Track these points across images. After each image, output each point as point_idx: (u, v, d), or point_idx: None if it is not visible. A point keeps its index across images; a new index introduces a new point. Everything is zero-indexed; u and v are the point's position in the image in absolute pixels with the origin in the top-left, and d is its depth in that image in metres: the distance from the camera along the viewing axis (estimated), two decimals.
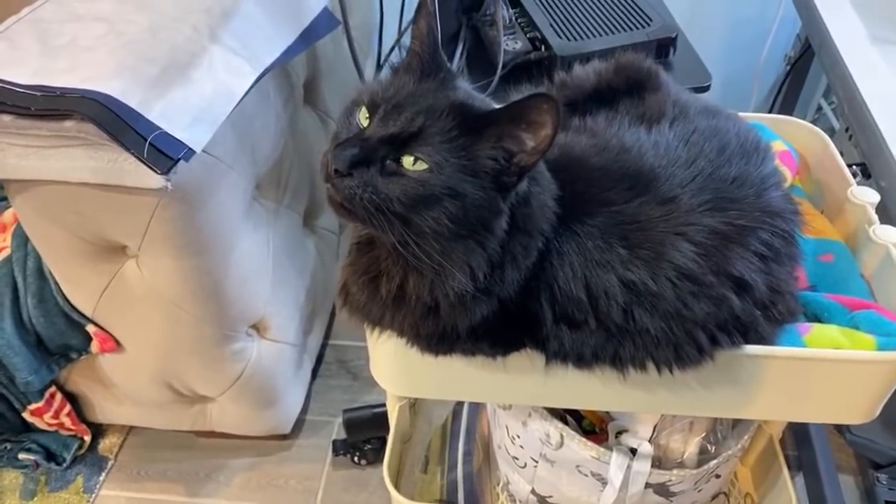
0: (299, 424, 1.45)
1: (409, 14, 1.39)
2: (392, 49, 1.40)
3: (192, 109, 0.90)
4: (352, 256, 0.59)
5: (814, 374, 0.60)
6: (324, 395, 1.51)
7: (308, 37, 1.15)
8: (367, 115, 0.51)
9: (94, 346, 1.16)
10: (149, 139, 0.84)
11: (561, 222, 0.54)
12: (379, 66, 1.37)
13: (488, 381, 0.62)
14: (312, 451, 1.44)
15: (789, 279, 0.59)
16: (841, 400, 0.63)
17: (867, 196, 0.71)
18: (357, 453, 1.40)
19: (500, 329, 0.56)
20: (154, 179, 0.87)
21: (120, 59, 0.89)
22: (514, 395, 0.67)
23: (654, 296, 0.54)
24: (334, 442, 1.42)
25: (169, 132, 0.86)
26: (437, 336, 0.56)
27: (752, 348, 0.57)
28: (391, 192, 0.48)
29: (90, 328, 1.14)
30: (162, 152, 0.85)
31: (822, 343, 0.59)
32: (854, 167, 0.82)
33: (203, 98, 0.92)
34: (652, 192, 0.56)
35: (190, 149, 0.87)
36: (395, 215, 0.49)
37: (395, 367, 0.64)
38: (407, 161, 0.49)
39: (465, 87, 0.53)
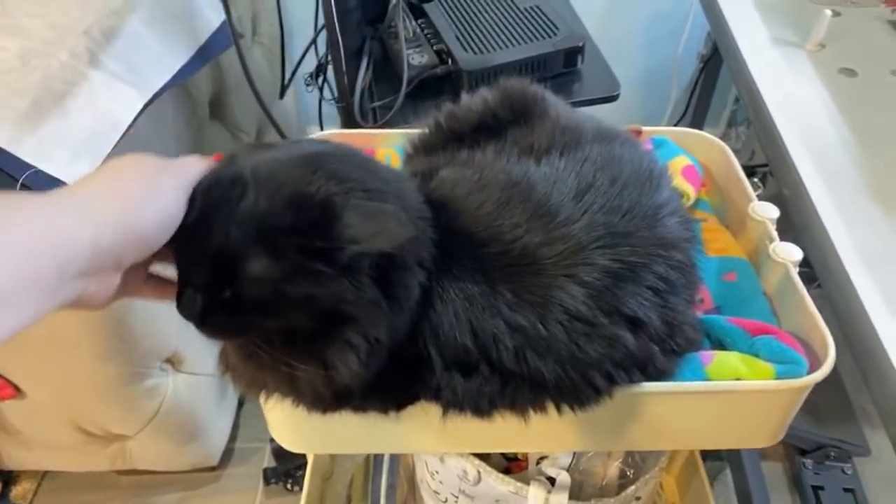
0: (228, 454, 1.40)
1: (322, 19, 1.34)
2: (301, 58, 1.35)
3: (70, 143, 0.83)
4: None
5: (716, 404, 0.59)
6: (253, 421, 1.46)
7: (205, 53, 1.09)
8: None
9: None
10: (20, 180, 0.78)
11: (442, 268, 0.51)
12: (283, 78, 1.31)
13: (387, 433, 0.59)
14: (243, 480, 1.39)
15: (687, 309, 0.58)
16: (745, 427, 0.62)
17: (767, 212, 0.70)
18: (290, 480, 1.36)
19: (390, 382, 0.53)
20: None
21: None
22: (416, 445, 0.64)
23: (544, 339, 0.51)
24: (265, 470, 1.37)
25: (44, 170, 0.80)
26: (325, 398, 0.52)
27: (650, 386, 0.55)
28: (246, 322, 0.46)
29: None
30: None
31: (723, 373, 0.58)
32: (763, 173, 0.81)
33: (83, 130, 0.85)
34: (540, 230, 0.53)
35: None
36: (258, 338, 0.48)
37: (289, 427, 0.60)
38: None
39: None
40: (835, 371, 0.58)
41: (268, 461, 1.40)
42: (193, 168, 0.46)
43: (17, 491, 1.35)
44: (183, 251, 0.46)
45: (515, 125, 0.62)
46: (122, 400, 1.13)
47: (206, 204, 0.45)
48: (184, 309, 0.47)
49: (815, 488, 1.34)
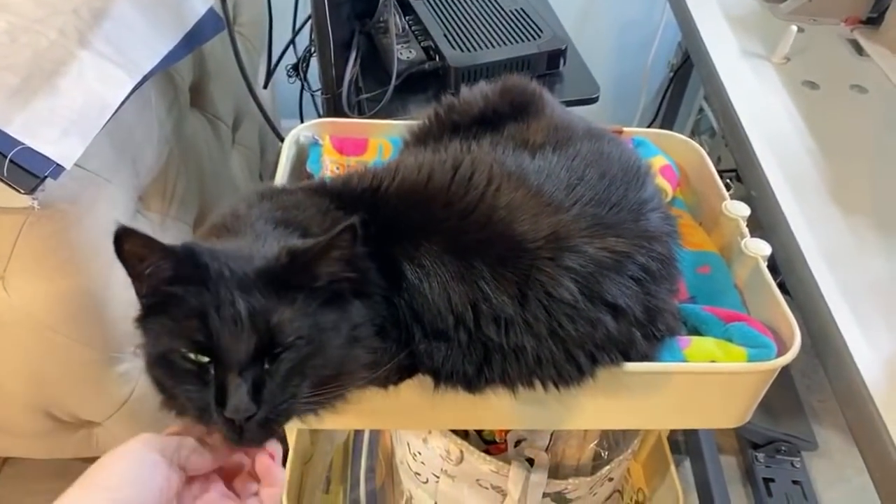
0: None
1: (302, 10, 1.35)
2: (285, 49, 1.36)
3: (60, 122, 0.83)
4: None
5: (693, 385, 0.63)
6: None
7: (192, 40, 1.09)
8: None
9: None
10: (8, 156, 0.77)
11: (409, 243, 0.55)
12: (270, 68, 1.32)
13: (380, 409, 0.61)
14: None
15: (667, 298, 0.61)
16: (718, 408, 0.66)
17: (739, 210, 0.75)
18: None
19: (388, 356, 0.55)
20: (18, 198, 0.80)
21: None
22: (407, 422, 0.66)
23: (522, 315, 0.54)
24: None
25: (33, 147, 0.79)
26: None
27: (632, 366, 0.59)
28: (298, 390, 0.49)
29: None
30: (25, 169, 0.78)
31: (700, 356, 0.62)
32: (727, 179, 0.87)
33: (72, 109, 0.85)
34: (528, 217, 0.56)
35: (58, 165, 0.81)
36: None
37: None
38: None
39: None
40: (787, 371, 0.62)
41: None
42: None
43: None
44: (216, 345, 0.47)
45: (512, 120, 0.65)
46: (94, 385, 1.12)
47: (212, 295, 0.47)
48: (237, 402, 0.46)
49: (767, 480, 1.41)
